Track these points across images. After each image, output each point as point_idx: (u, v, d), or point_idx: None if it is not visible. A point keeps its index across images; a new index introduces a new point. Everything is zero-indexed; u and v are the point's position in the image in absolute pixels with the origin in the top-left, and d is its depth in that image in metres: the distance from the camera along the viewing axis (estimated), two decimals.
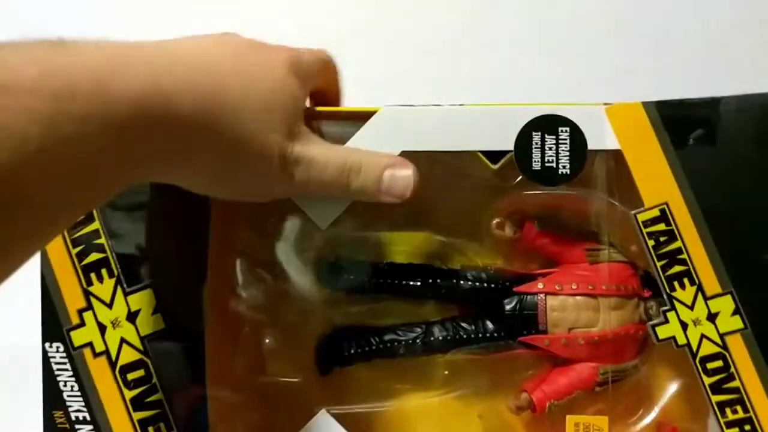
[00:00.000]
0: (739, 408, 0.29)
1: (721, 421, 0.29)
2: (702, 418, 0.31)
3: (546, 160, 0.30)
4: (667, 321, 0.30)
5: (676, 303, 0.29)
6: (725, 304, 0.29)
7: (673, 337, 0.30)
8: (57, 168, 0.20)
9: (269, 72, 0.26)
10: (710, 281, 0.29)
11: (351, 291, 0.33)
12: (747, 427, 0.29)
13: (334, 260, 0.33)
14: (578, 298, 0.31)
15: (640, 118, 0.30)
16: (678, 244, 0.29)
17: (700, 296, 0.29)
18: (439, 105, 0.31)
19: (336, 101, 0.34)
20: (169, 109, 0.23)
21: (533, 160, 0.30)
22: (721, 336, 0.29)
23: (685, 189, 0.29)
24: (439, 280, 0.33)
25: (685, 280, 0.29)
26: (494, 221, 0.32)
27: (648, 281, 0.31)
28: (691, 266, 0.29)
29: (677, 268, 0.29)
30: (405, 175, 0.29)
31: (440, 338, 0.32)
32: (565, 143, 0.30)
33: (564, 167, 0.30)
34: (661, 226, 0.29)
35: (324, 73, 0.31)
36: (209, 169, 0.26)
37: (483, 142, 0.30)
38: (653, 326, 0.30)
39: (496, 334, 0.32)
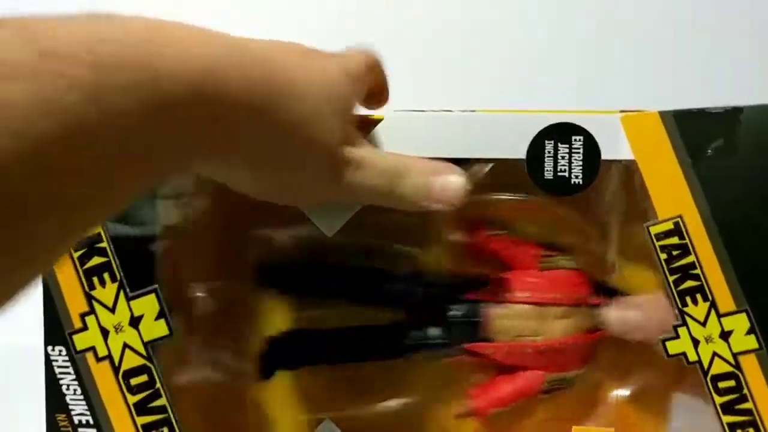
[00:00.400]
0: (751, 430, 0.28)
1: None
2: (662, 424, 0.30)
3: (558, 170, 0.29)
4: (678, 336, 0.29)
5: (687, 319, 0.29)
6: (739, 323, 0.28)
7: (684, 353, 0.29)
8: (98, 147, 0.18)
9: (326, 72, 0.26)
10: (724, 298, 0.28)
11: (290, 294, 0.33)
12: None
13: (275, 262, 0.33)
14: (525, 306, 0.31)
15: (657, 127, 0.29)
16: (691, 258, 0.28)
17: (713, 313, 0.28)
18: (449, 111, 0.30)
19: (383, 102, 0.33)
20: (224, 91, 0.22)
21: (545, 169, 0.30)
22: (735, 355, 0.28)
23: (701, 202, 0.28)
24: (385, 285, 0.32)
25: (698, 296, 0.29)
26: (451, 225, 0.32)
27: (602, 289, 0.31)
28: (704, 282, 0.28)
29: (690, 283, 0.29)
30: (455, 180, 0.28)
31: (384, 345, 0.32)
32: (579, 152, 0.29)
33: (577, 177, 0.29)
34: (675, 240, 0.29)
35: (372, 75, 0.30)
36: (256, 161, 0.25)
37: (494, 150, 0.30)
38: (663, 341, 0.29)
39: (441, 341, 0.31)
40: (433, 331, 0.32)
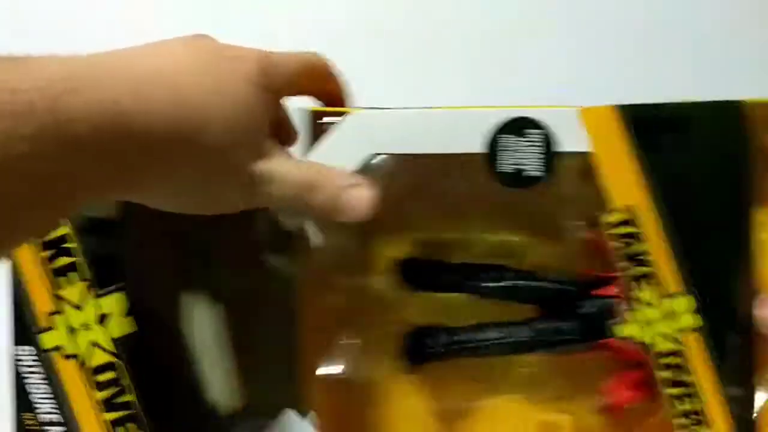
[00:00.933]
0: (690, 400, 0.30)
1: (672, 411, 0.31)
2: None
3: (516, 163, 0.30)
4: (626, 320, 0.31)
5: (637, 303, 0.31)
6: (684, 304, 0.30)
7: (632, 336, 0.31)
8: (12, 187, 0.20)
9: (234, 86, 0.26)
10: (671, 282, 0.30)
11: (428, 290, 0.34)
12: (695, 418, 0.31)
13: (412, 260, 0.34)
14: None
15: (613, 120, 0.30)
16: (642, 246, 0.30)
17: (660, 296, 0.30)
18: (408, 108, 0.31)
19: (336, 102, 0.33)
20: (129, 129, 0.22)
21: (503, 162, 0.30)
22: (678, 332, 0.30)
23: (652, 192, 0.30)
24: (517, 282, 0.33)
25: (648, 281, 0.30)
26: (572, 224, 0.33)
27: None
28: (653, 268, 0.30)
29: (640, 270, 0.30)
30: (362, 195, 0.29)
31: (520, 340, 0.33)
32: (536, 146, 0.30)
33: (534, 170, 0.30)
34: (627, 229, 0.30)
35: (309, 76, 0.30)
36: (171, 188, 0.25)
37: (453, 145, 0.30)
38: (610, 325, 0.31)
39: (574, 337, 0.33)
40: (568, 327, 0.33)
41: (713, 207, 0.30)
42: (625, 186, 0.30)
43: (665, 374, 0.31)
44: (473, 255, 0.34)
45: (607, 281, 0.32)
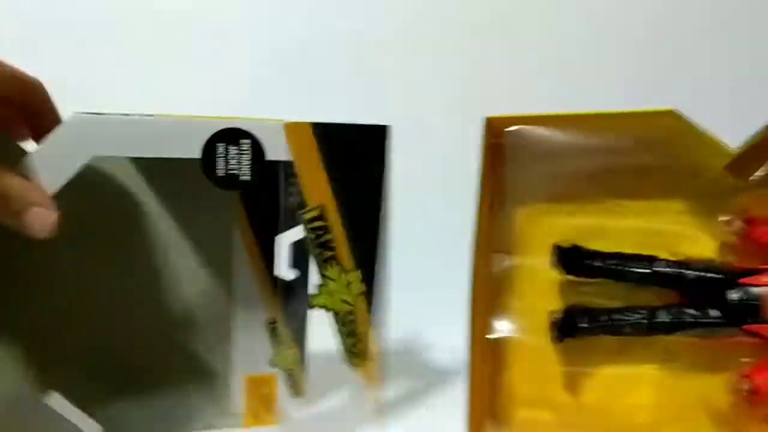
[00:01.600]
0: (360, 344, 0.40)
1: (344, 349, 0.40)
2: None
3: (229, 168, 0.34)
4: (320, 293, 0.39)
5: (327, 279, 0.38)
6: (356, 276, 0.39)
7: (325, 305, 0.39)
8: None
9: None
10: (347, 261, 0.39)
11: (582, 275, 0.38)
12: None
13: (572, 247, 0.38)
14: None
15: (308, 135, 0.36)
16: (330, 236, 0.38)
17: (340, 272, 0.39)
18: (129, 114, 0.32)
19: (50, 126, 0.32)
20: None
21: (218, 167, 0.34)
22: (354, 297, 0.39)
23: (335, 194, 0.37)
24: (667, 269, 0.36)
25: (333, 262, 0.38)
26: (725, 218, 0.36)
27: None
28: (336, 252, 0.38)
29: (328, 254, 0.38)
30: (45, 216, 0.30)
31: (665, 321, 0.36)
32: (247, 153, 0.35)
33: (245, 174, 0.35)
34: (320, 223, 0.37)
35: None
36: None
37: (172, 150, 0.33)
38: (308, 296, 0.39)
39: (719, 321, 0.35)
40: (713, 312, 0.35)
41: (371, 207, 0.39)
42: (317, 188, 0.37)
43: (346, 330, 0.40)
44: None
45: (756, 272, 0.35)
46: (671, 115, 0.34)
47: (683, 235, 0.38)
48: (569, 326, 0.38)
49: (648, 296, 0.38)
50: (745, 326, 0.34)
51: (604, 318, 0.37)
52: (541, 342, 0.39)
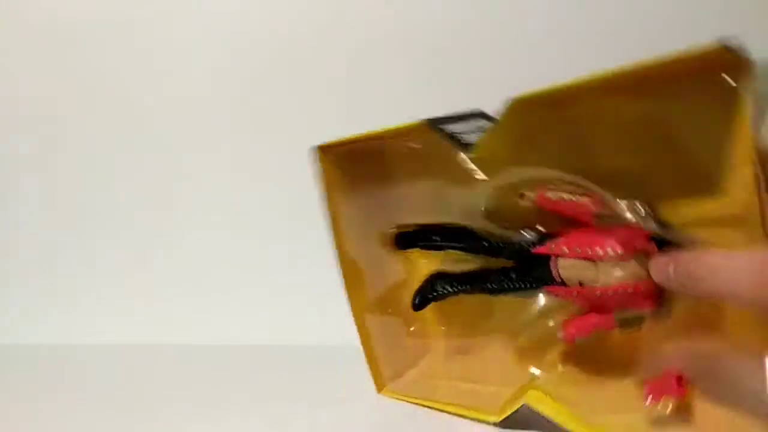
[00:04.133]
0: None
1: None
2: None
3: None
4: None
5: None
6: None
7: None
8: None
9: None
10: None
11: (427, 249, 0.44)
12: None
13: (404, 232, 0.45)
14: (581, 260, 0.36)
15: None
16: None
17: None
18: None
19: None
20: None
21: None
22: None
23: None
24: (478, 243, 0.41)
25: None
26: (519, 192, 0.38)
27: (657, 241, 0.34)
28: None
29: None
30: None
31: (494, 287, 0.41)
32: None
33: None
34: None
35: None
36: None
37: None
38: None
39: (529, 285, 0.39)
40: (522, 277, 0.39)
41: None
42: None
43: None
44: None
45: (550, 237, 0.38)
46: (422, 128, 0.38)
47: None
48: (428, 293, 0.45)
49: (489, 261, 0.42)
50: (547, 288, 0.38)
51: (455, 282, 0.43)
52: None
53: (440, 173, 0.42)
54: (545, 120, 0.34)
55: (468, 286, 0.43)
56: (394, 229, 0.45)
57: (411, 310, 0.45)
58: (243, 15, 0.61)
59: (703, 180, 0.30)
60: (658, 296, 0.34)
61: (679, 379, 0.32)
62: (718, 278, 0.26)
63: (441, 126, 0.38)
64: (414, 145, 0.42)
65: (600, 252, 0.34)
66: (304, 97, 0.58)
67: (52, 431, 0.40)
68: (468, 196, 0.40)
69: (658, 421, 0.32)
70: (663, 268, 0.30)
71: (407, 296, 0.45)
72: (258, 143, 0.61)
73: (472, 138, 0.37)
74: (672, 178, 0.32)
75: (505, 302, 0.41)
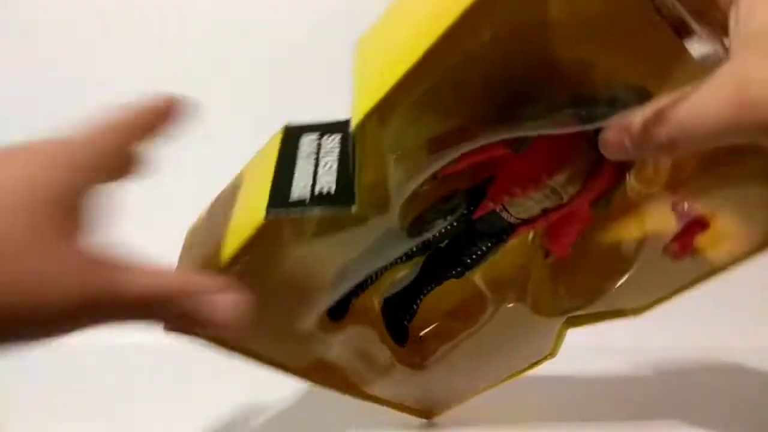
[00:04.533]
0: None
1: None
2: None
3: None
4: None
5: None
6: None
7: None
8: None
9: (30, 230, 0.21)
10: None
11: None
12: None
13: None
14: (531, 194, 0.30)
15: None
16: None
17: None
18: None
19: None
20: None
21: None
22: None
23: None
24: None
25: None
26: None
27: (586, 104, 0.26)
28: None
29: None
30: (226, 301, 0.24)
31: (460, 268, 0.35)
32: None
33: None
34: None
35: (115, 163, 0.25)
36: None
37: None
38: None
39: (492, 244, 0.33)
40: (484, 243, 0.34)
41: None
42: None
43: None
44: None
45: (479, 194, 0.32)
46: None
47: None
48: (402, 322, 0.38)
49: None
50: (512, 234, 0.33)
51: (421, 291, 0.37)
52: None
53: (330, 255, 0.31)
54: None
55: (432, 285, 0.36)
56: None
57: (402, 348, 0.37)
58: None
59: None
60: (619, 167, 0.30)
61: (698, 219, 0.31)
62: (685, 122, 0.22)
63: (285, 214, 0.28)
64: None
65: (547, 181, 0.30)
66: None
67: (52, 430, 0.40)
68: (377, 239, 0.31)
69: None
70: (616, 144, 0.25)
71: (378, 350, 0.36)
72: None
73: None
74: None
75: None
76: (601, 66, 0.26)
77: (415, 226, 0.31)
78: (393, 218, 0.30)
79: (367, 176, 0.28)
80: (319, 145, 0.31)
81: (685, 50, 0.25)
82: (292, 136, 0.32)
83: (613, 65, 0.26)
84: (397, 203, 0.29)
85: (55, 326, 0.21)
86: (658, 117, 0.23)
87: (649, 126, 0.23)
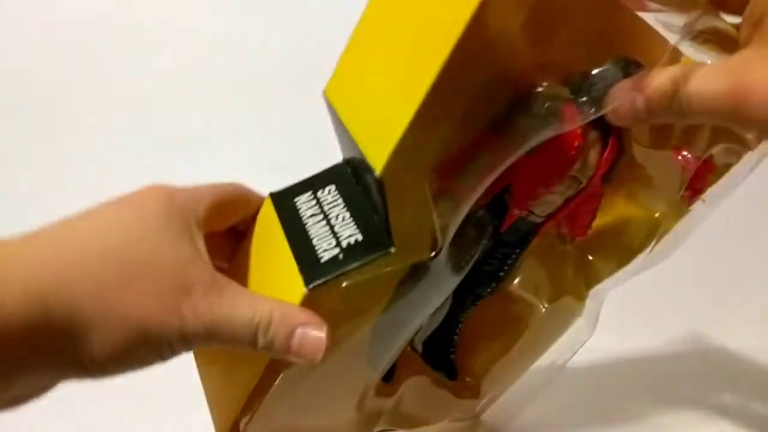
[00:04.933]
0: None
1: None
2: None
3: None
4: None
5: None
6: None
7: None
8: None
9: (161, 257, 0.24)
10: None
11: None
12: None
13: None
14: (555, 188, 0.31)
15: None
16: None
17: None
18: None
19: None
20: (50, 324, 0.22)
21: None
22: None
23: None
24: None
25: None
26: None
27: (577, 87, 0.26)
28: None
29: None
30: (316, 337, 0.25)
31: (493, 285, 0.35)
32: None
33: None
34: None
35: (220, 211, 0.28)
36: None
37: None
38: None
39: (521, 250, 0.33)
40: (512, 252, 0.34)
41: None
42: None
43: None
44: None
45: (502, 206, 0.31)
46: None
47: None
48: (446, 356, 0.38)
49: None
50: (539, 231, 0.33)
51: (455, 323, 0.37)
52: None
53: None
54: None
55: (467, 310, 0.36)
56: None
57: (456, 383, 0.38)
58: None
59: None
60: (619, 135, 0.30)
61: (704, 163, 0.31)
62: (692, 96, 0.23)
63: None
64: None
65: (565, 180, 0.30)
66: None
67: (52, 430, 0.40)
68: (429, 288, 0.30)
69: None
70: (630, 108, 0.25)
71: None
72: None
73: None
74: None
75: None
76: (579, 53, 0.26)
77: (453, 259, 0.30)
78: (442, 258, 0.28)
79: (407, 218, 0.27)
80: (318, 202, 0.29)
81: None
82: (283, 202, 0.30)
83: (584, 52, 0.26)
84: (445, 241, 0.28)
85: (171, 351, 0.24)
86: (674, 80, 0.24)
87: (665, 91, 0.24)
